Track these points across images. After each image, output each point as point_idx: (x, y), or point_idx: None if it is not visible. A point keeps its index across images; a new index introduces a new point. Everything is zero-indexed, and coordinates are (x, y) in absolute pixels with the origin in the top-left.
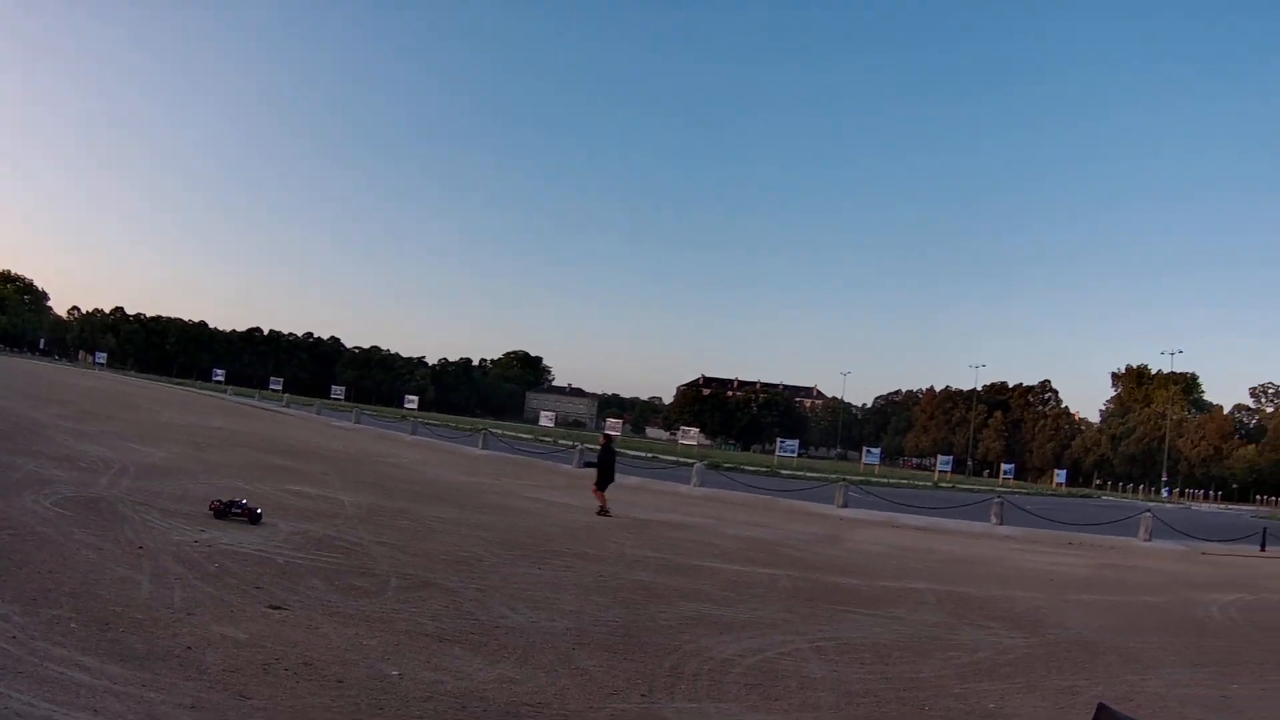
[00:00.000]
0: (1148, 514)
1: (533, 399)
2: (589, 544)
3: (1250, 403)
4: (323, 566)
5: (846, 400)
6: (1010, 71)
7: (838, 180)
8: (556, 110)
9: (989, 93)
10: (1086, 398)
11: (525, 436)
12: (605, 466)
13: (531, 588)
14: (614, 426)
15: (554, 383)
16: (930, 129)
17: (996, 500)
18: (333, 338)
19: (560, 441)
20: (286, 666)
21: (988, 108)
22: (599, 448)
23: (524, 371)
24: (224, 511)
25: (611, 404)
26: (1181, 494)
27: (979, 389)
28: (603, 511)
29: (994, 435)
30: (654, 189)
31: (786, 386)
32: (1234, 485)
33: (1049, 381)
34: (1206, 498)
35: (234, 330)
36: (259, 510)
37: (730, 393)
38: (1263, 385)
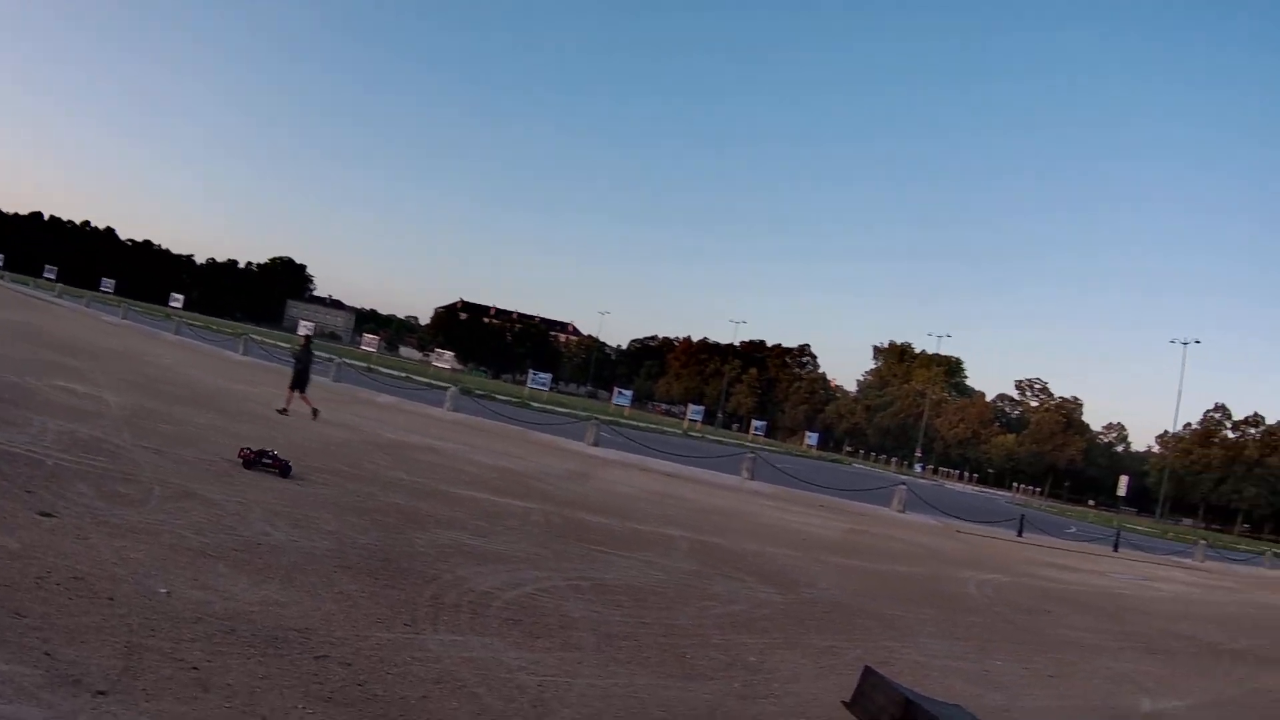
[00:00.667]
0: (902, 486)
1: (293, 307)
2: (344, 461)
3: (1015, 394)
4: (90, 471)
5: (603, 340)
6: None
7: (617, 115)
8: (340, 12)
9: (783, 42)
10: (846, 367)
11: (285, 345)
12: (301, 369)
13: (290, 504)
14: (369, 342)
15: (315, 293)
16: (717, 74)
17: (749, 455)
18: (108, 228)
19: (317, 353)
20: (58, 581)
21: (787, 55)
22: (299, 348)
23: (287, 277)
24: (253, 461)
25: (369, 319)
26: (934, 471)
27: (737, 344)
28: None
29: (747, 391)
30: (433, 101)
31: (544, 319)
32: (990, 470)
33: (809, 346)
34: (961, 478)
35: (17, 214)
36: (289, 463)
37: (487, 320)
38: (1029, 379)
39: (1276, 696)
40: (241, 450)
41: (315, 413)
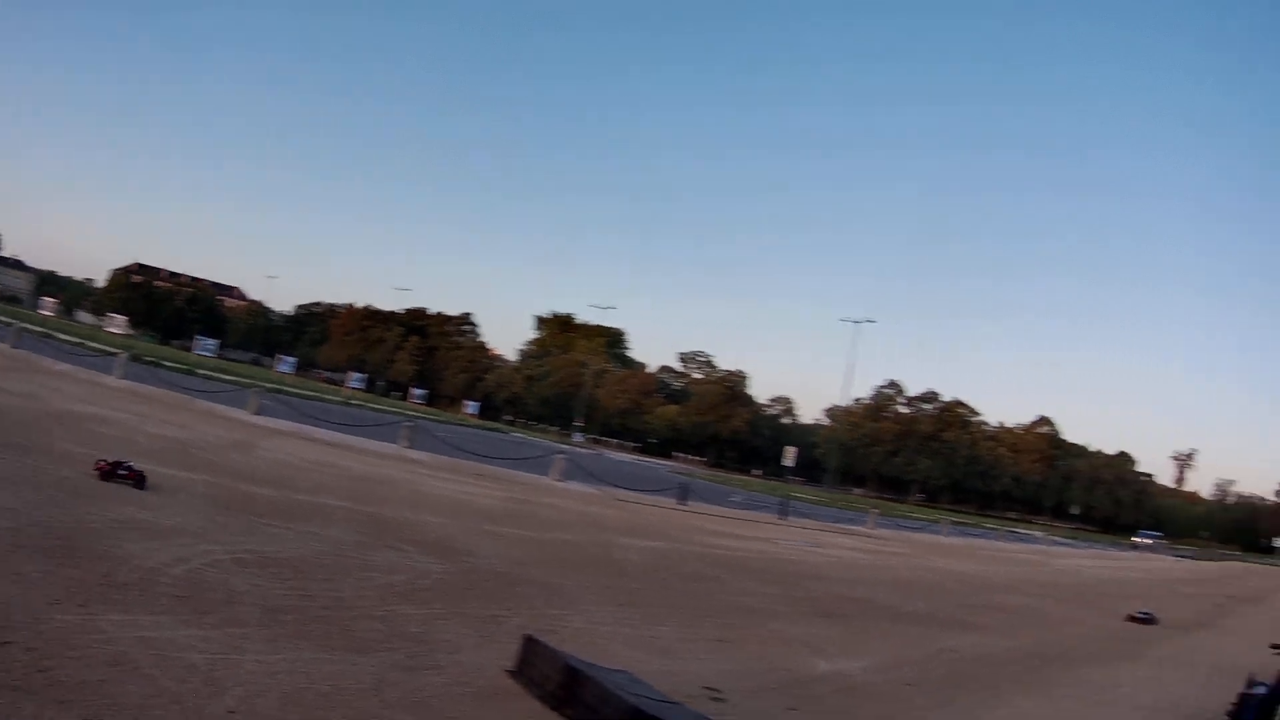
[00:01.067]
0: (561, 455)
1: None
2: (18, 434)
3: (678, 367)
4: None
5: (270, 305)
6: None
7: (292, 68)
8: None
9: None
10: (509, 337)
11: None
12: None
13: None
14: (47, 306)
15: (2, 254)
16: (378, 33)
17: (408, 423)
18: None
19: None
20: None
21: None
22: None
23: None
24: (109, 474)
25: (50, 281)
26: (595, 440)
27: (401, 311)
28: None
29: (408, 359)
30: (112, 42)
31: (213, 284)
32: (652, 440)
33: (471, 315)
34: (621, 447)
35: None
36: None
37: (158, 282)
38: (694, 352)
39: (958, 656)
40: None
41: None
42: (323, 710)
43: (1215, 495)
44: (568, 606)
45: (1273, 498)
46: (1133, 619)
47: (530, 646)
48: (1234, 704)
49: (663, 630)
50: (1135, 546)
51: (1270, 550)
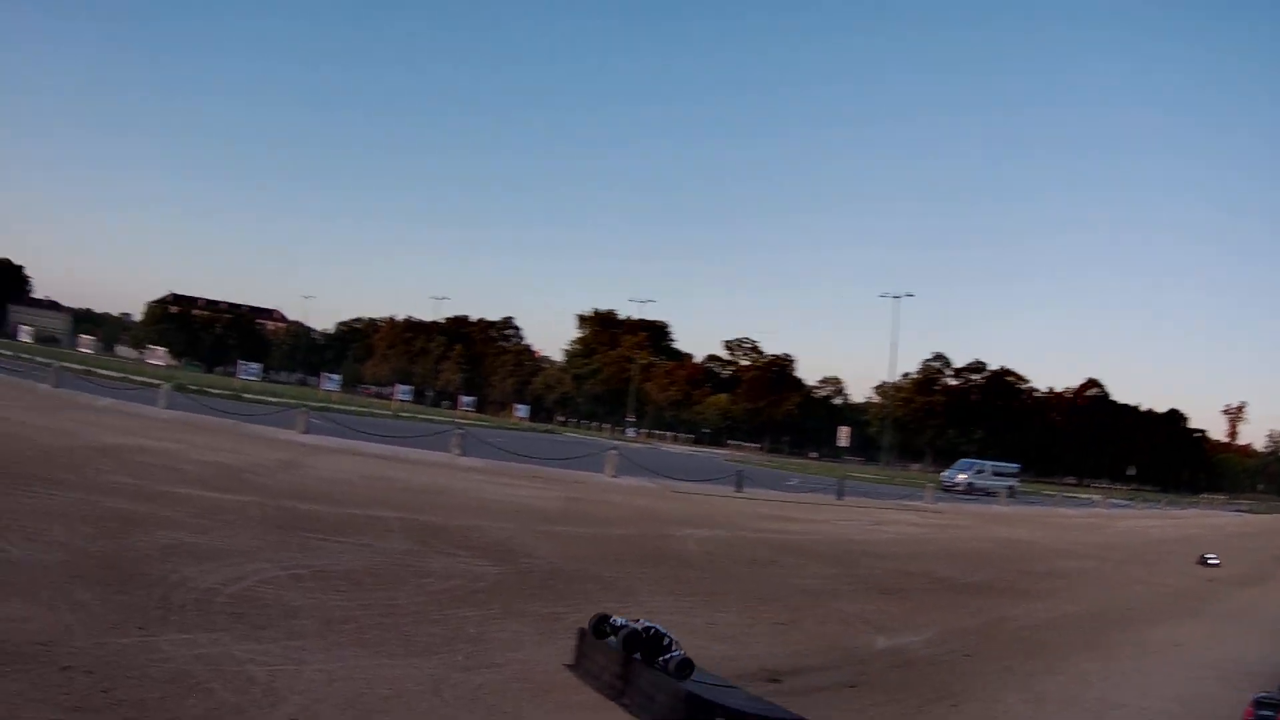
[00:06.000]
0: (614, 451)
1: (15, 312)
2: (68, 470)
3: (725, 355)
4: None
5: (310, 325)
6: None
7: (305, 84)
8: None
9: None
10: (553, 339)
11: (7, 353)
12: None
13: (20, 517)
14: (85, 343)
15: (34, 295)
16: (408, 40)
17: (458, 431)
18: None
19: (38, 359)
20: None
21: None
22: None
23: (3, 281)
24: None
25: (86, 319)
26: (649, 434)
27: (442, 320)
28: None
29: (454, 367)
30: (123, 82)
31: (251, 308)
32: (705, 430)
33: (512, 319)
34: (675, 440)
35: None
36: None
37: (196, 311)
38: (738, 339)
39: (1017, 625)
40: None
41: None
42: (382, 713)
43: (1269, 447)
44: (627, 599)
45: None
46: (1201, 563)
47: (586, 639)
48: None
49: (722, 616)
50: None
51: None
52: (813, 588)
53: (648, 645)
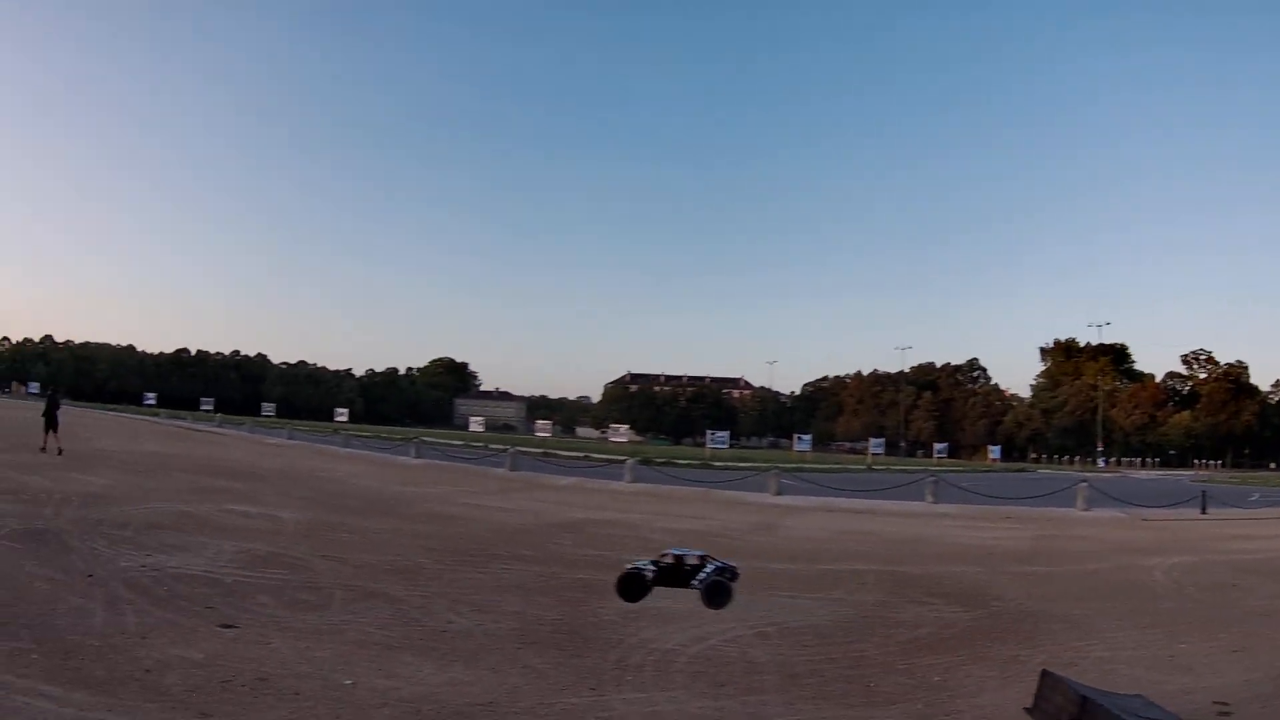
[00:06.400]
0: (1084, 484)
1: (461, 405)
2: (527, 546)
3: (1183, 370)
4: (269, 583)
5: (774, 389)
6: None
7: (737, 172)
8: (476, 113)
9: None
10: (1015, 374)
11: (457, 443)
12: (50, 414)
13: (473, 591)
14: (542, 428)
15: (481, 388)
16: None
17: (931, 479)
18: (259, 354)
19: (491, 446)
20: (243, 683)
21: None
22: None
23: (450, 378)
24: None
25: (540, 405)
26: (1118, 463)
27: (906, 370)
28: (58, 452)
29: (924, 415)
30: (552, 180)
31: (713, 379)
32: (1171, 451)
33: (977, 360)
34: (1143, 465)
35: (161, 352)
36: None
37: (657, 387)
38: (1194, 352)
39: None
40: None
41: (60, 450)
42: None
43: None
44: (1091, 636)
45: None
46: None
47: (1046, 681)
48: None
49: (1181, 648)
50: None
51: None
52: (1270, 610)
53: None
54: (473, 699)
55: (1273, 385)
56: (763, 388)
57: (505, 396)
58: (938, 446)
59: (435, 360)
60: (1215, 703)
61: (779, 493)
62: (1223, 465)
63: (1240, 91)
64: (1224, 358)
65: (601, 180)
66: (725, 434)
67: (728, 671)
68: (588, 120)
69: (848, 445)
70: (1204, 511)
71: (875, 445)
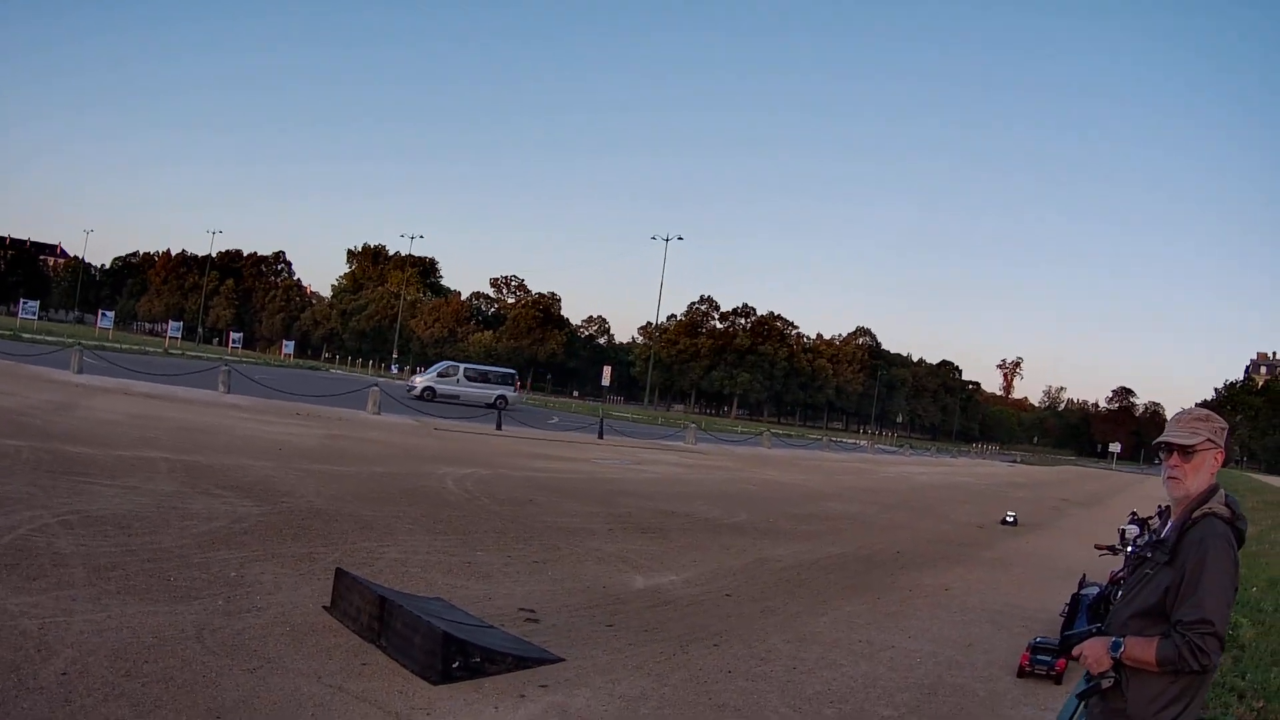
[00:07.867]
0: (376, 387)
1: None
2: None
3: (491, 292)
4: None
5: (88, 260)
6: None
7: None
8: None
9: None
10: (322, 273)
11: None
12: None
13: None
14: None
15: None
16: None
17: (223, 368)
18: None
19: None
20: None
21: None
22: None
23: None
24: None
25: None
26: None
27: (214, 255)
28: None
29: (225, 303)
30: None
31: (33, 243)
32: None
33: (284, 253)
34: None
35: None
36: None
37: None
38: (505, 277)
39: (780, 565)
40: None
41: None
42: (149, 662)
43: (1044, 402)
44: (385, 538)
45: (1104, 404)
46: (1004, 523)
47: (342, 580)
48: (1067, 604)
49: (480, 555)
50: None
51: (1105, 455)
52: (572, 526)
53: None
54: None
55: (585, 320)
56: (77, 257)
57: None
58: (234, 336)
59: None
60: (521, 609)
61: (81, 371)
62: (523, 387)
63: None
64: (539, 288)
65: None
66: (35, 304)
67: (38, 564)
68: None
69: (149, 326)
70: (499, 427)
71: (174, 329)
